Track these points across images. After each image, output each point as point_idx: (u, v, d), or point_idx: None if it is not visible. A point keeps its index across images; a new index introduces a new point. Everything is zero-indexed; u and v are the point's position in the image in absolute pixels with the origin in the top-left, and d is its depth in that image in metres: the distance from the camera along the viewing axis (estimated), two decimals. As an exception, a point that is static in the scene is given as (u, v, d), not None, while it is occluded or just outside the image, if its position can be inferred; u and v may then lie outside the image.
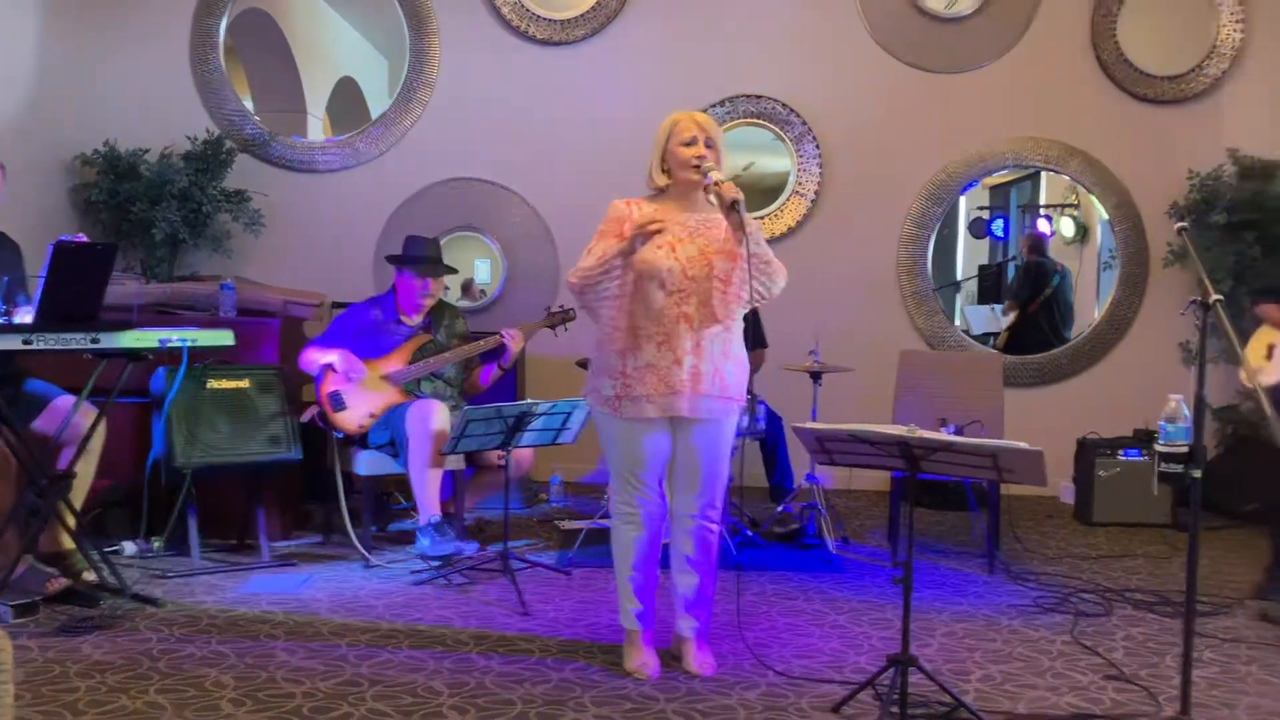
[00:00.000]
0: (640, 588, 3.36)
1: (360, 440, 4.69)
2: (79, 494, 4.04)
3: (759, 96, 6.43)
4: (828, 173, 6.46)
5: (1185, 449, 2.93)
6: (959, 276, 7.14)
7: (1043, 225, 7.05)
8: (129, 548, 4.53)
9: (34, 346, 3.58)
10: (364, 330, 4.80)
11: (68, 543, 4.02)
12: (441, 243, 5.36)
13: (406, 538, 4.86)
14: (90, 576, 3.93)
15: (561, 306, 4.88)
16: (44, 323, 3.62)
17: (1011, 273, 7.26)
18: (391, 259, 4.94)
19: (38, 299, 3.62)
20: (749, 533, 4.93)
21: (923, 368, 5.40)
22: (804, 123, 6.43)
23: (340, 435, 4.67)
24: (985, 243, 7.27)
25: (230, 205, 6.21)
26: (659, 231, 3.14)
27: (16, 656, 2.74)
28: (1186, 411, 2.92)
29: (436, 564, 4.43)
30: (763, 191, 6.51)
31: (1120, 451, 5.61)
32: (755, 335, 5.53)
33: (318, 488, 4.99)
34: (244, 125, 6.46)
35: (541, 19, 6.42)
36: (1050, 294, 6.92)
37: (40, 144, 5.94)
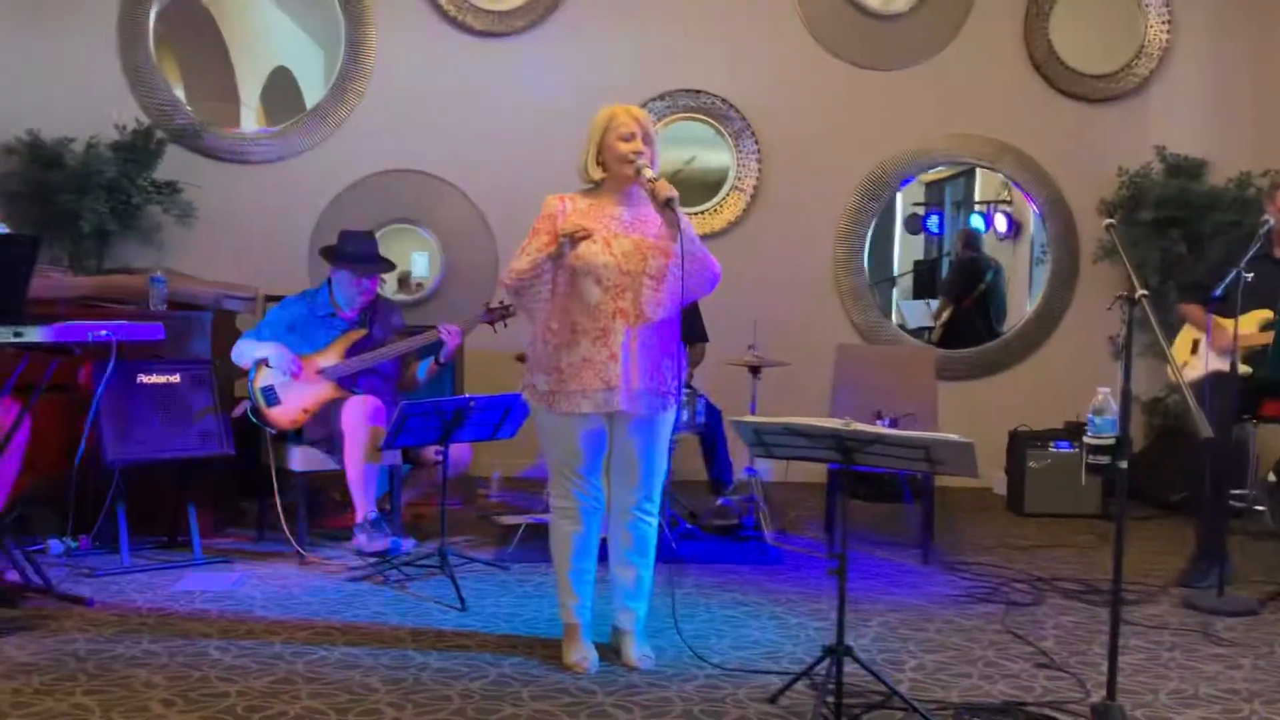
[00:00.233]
0: (578, 582, 3.36)
1: (295, 436, 4.63)
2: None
3: (698, 91, 6.45)
4: (766, 168, 6.50)
5: (1112, 441, 2.99)
6: (895, 272, 7.23)
7: (978, 221, 7.15)
8: (55, 546, 4.43)
9: (-46, 340, 3.48)
10: (299, 324, 4.74)
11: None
12: (378, 235, 5.30)
13: (342, 534, 4.80)
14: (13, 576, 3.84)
15: (501, 302, 4.85)
16: (-36, 316, 3.52)
17: (946, 268, 7.37)
18: (327, 255, 4.86)
19: (-43, 292, 3.53)
20: (688, 525, 4.95)
21: (858, 361, 5.47)
22: (743, 118, 6.46)
23: (274, 431, 4.61)
24: (920, 238, 7.36)
25: (161, 197, 6.09)
26: (586, 238, 3.14)
27: (-64, 659, 2.67)
28: (1113, 404, 2.99)
29: (373, 561, 4.39)
30: (706, 186, 6.53)
31: (1051, 443, 5.71)
32: (696, 329, 5.55)
33: (251, 484, 4.91)
34: (175, 115, 6.33)
35: (480, 10, 6.38)
36: (984, 289, 7.03)
37: (-41, 131, 5.79)
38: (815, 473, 5.85)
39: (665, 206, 3.12)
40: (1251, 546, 4.97)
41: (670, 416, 3.35)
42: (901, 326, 6.85)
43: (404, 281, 6.57)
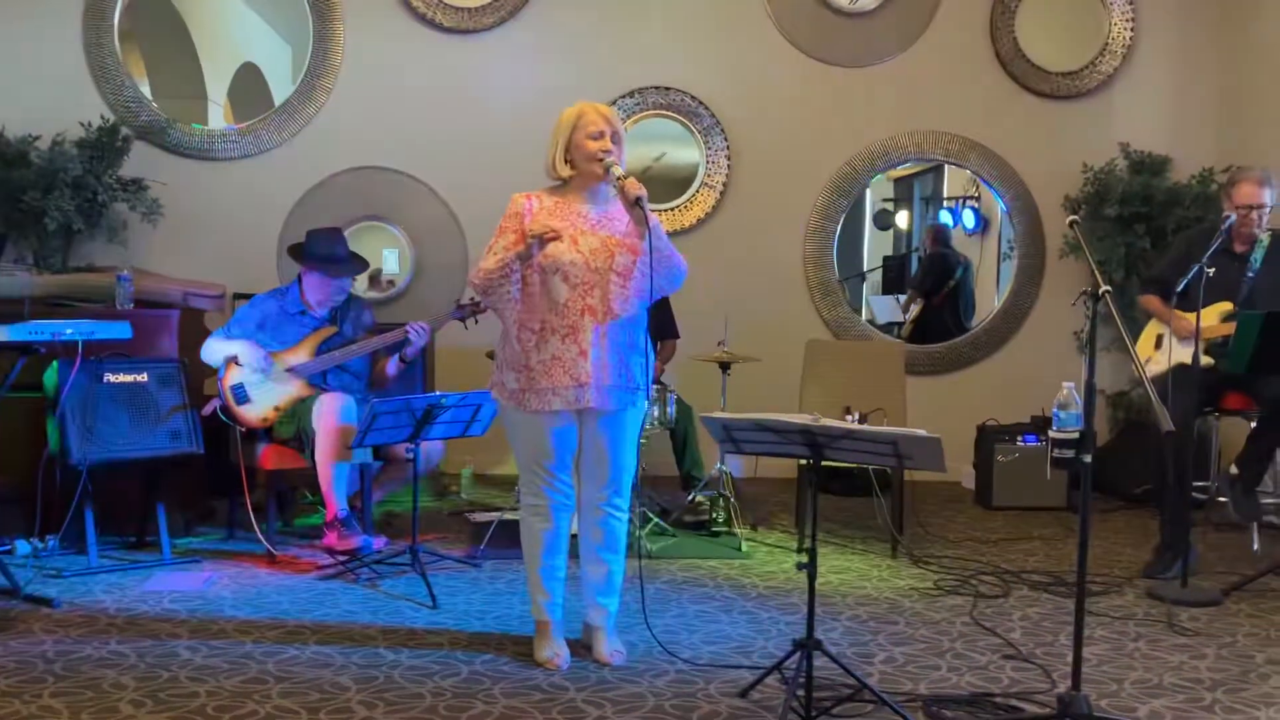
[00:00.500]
0: (549, 578, 3.37)
1: (265, 434, 4.61)
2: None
3: (668, 88, 6.46)
4: (736, 165, 6.52)
5: (1077, 435, 3.03)
6: (865, 267, 7.27)
7: (945, 217, 7.21)
8: (22, 547, 4.39)
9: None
10: (268, 322, 4.71)
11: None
12: (347, 233, 5.28)
13: (313, 533, 4.79)
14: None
15: (472, 299, 4.84)
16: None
17: (915, 264, 7.42)
18: (296, 255, 4.83)
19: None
20: (660, 521, 4.97)
21: (828, 357, 5.50)
22: (712, 115, 6.48)
23: (244, 429, 4.58)
24: (890, 234, 7.41)
25: (127, 194, 6.03)
26: (555, 239, 3.14)
27: (-99, 662, 2.65)
28: (1078, 398, 3.02)
29: (344, 559, 4.38)
30: (675, 182, 6.54)
31: (1019, 437, 5.76)
32: (666, 326, 5.57)
33: (221, 483, 4.88)
34: (141, 112, 6.28)
35: (449, 6, 6.36)
36: (954, 285, 7.09)
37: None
38: (786, 468, 5.88)
39: (634, 205, 3.13)
40: (1214, 537, 5.05)
41: (639, 412, 3.37)
42: (871, 322, 6.90)
43: (374, 279, 6.54)
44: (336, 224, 5.50)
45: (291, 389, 4.62)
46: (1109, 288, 2.95)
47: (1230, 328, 4.29)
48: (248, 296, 5.02)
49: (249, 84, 6.71)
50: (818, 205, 6.58)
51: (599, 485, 3.34)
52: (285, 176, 6.35)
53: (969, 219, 7.14)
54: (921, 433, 2.78)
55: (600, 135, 3.22)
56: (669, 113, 6.49)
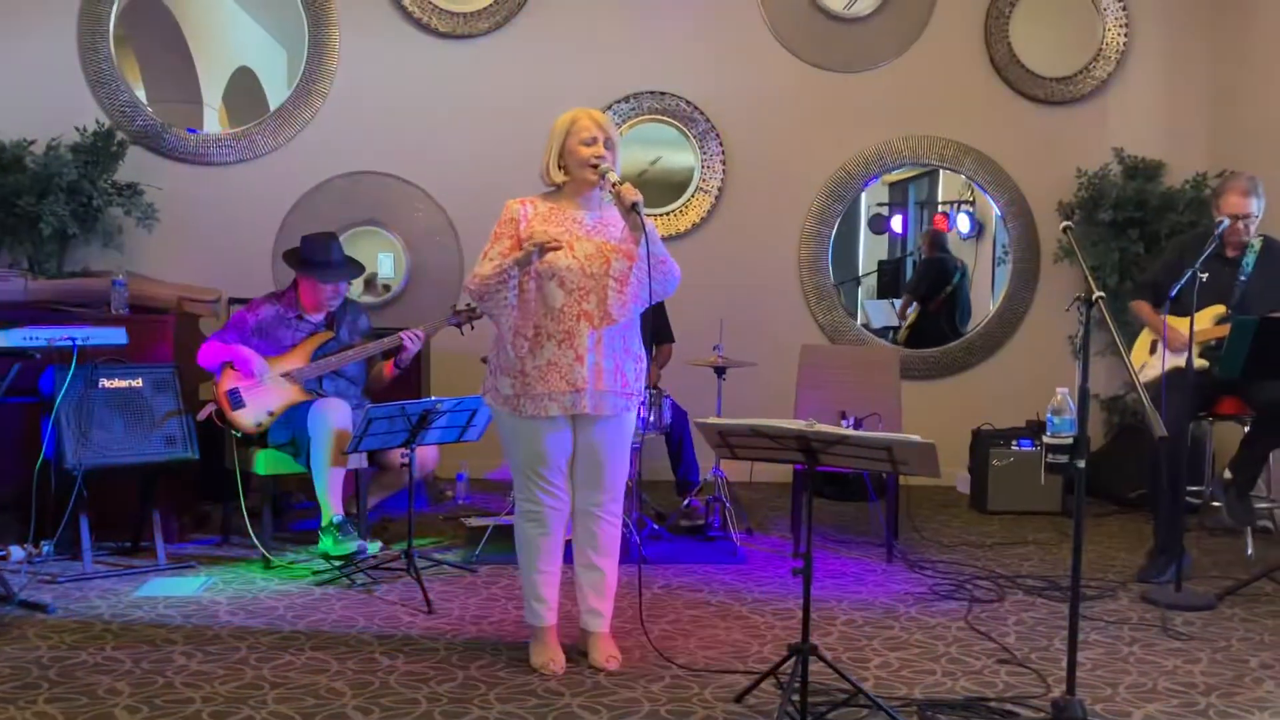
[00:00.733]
0: (545, 584, 3.37)
1: (260, 439, 4.61)
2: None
3: (663, 93, 6.47)
4: (731, 169, 6.53)
5: (1070, 440, 3.04)
6: (860, 272, 7.28)
7: (940, 221, 7.22)
8: (16, 552, 4.39)
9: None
10: (264, 327, 4.72)
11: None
12: (342, 238, 5.28)
13: (308, 538, 4.79)
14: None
15: (468, 305, 4.85)
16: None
17: (910, 267, 7.43)
18: (291, 260, 4.83)
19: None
20: (655, 526, 4.98)
21: (823, 362, 5.50)
22: (707, 120, 6.49)
23: (239, 434, 4.58)
24: (884, 238, 7.42)
25: (122, 199, 6.03)
26: (558, 249, 3.15)
27: (-105, 669, 2.64)
28: (1072, 404, 3.04)
29: (339, 564, 4.38)
30: (671, 187, 6.55)
31: (1014, 442, 5.77)
32: (662, 330, 5.58)
33: (216, 488, 4.89)
34: (136, 116, 6.28)
35: (444, 11, 6.37)
36: (951, 291, 7.10)
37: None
38: (781, 472, 5.91)
39: (631, 210, 3.14)
40: (1208, 542, 5.07)
41: (633, 417, 3.38)
42: (866, 326, 6.91)
43: (370, 283, 6.55)
44: (332, 229, 5.50)
45: (287, 394, 4.62)
46: (1103, 294, 2.96)
47: (1223, 330, 4.31)
48: (243, 301, 5.03)
49: (244, 88, 6.71)
50: (813, 210, 6.59)
51: (594, 490, 3.35)
52: (281, 181, 6.36)
53: (964, 223, 7.16)
54: (916, 438, 2.79)
55: (594, 141, 3.22)
56: (664, 117, 6.50)
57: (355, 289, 6.28)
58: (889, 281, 7.43)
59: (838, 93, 6.54)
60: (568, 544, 3.44)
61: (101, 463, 4.31)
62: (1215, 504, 4.96)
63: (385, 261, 6.56)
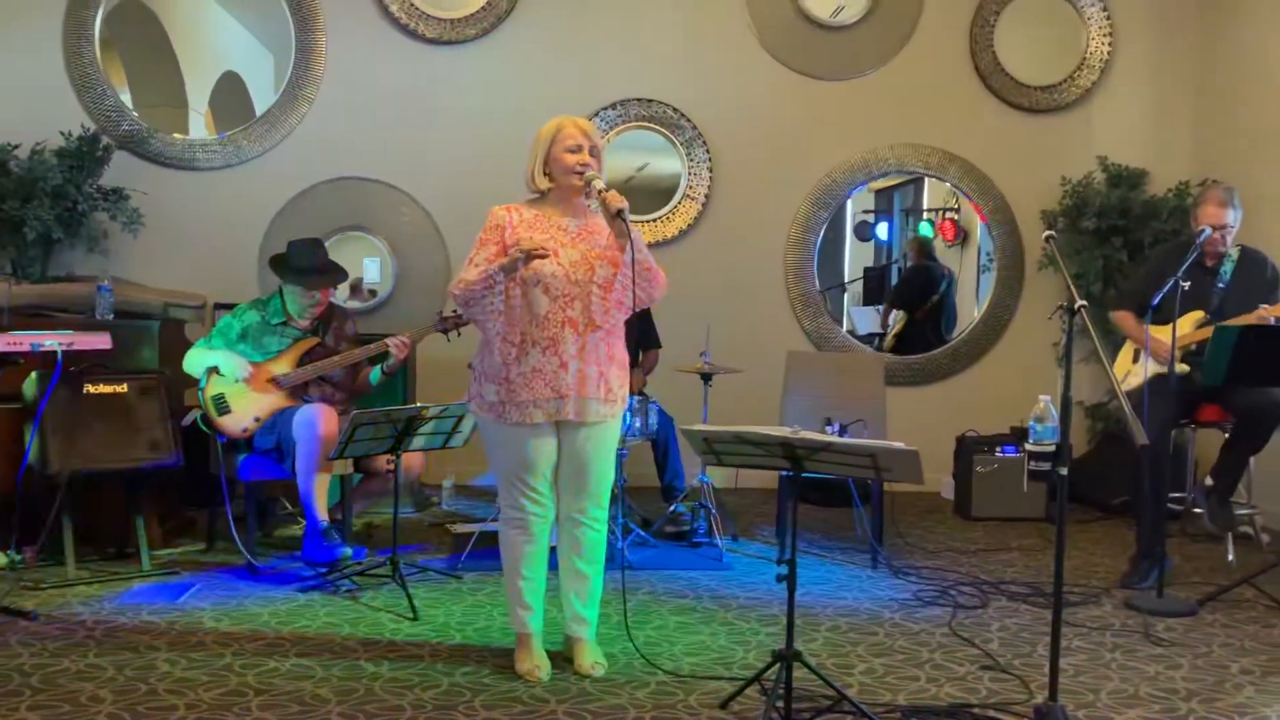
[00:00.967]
0: (529, 591, 3.38)
1: (245, 444, 4.60)
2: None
3: (650, 100, 6.49)
4: (718, 176, 6.55)
5: (1053, 447, 3.06)
6: (846, 278, 7.31)
7: (925, 229, 7.25)
8: (-1, 559, 4.37)
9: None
10: (250, 332, 4.70)
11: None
12: (328, 243, 5.27)
13: (293, 544, 4.78)
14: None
15: (454, 311, 4.85)
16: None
17: (895, 275, 7.46)
18: (276, 267, 4.82)
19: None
20: (641, 532, 4.98)
21: (808, 368, 5.52)
22: (694, 127, 6.51)
23: (224, 439, 4.57)
24: (870, 245, 7.45)
25: (107, 204, 6.01)
26: (544, 256, 3.16)
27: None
28: (1054, 411, 3.06)
29: (324, 570, 4.37)
30: (659, 193, 6.57)
31: (998, 448, 5.80)
32: (648, 336, 5.59)
33: (201, 493, 4.87)
34: (121, 121, 6.26)
35: (431, 18, 6.37)
36: (938, 299, 7.12)
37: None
38: (767, 478, 5.92)
39: (616, 217, 3.15)
40: (1190, 547, 5.10)
41: (618, 423, 3.39)
42: (852, 333, 6.94)
43: (356, 288, 6.54)
44: (318, 233, 5.50)
45: (272, 400, 4.61)
46: (1085, 302, 2.98)
47: (1205, 333, 4.36)
48: (229, 307, 5.01)
49: (231, 93, 6.70)
50: (799, 217, 6.61)
51: (579, 497, 3.35)
52: (267, 186, 6.35)
53: (948, 230, 7.18)
54: (900, 446, 2.80)
55: (579, 149, 3.24)
56: (651, 124, 6.52)
57: (341, 294, 6.28)
58: (874, 288, 7.46)
59: (824, 100, 6.57)
60: (553, 550, 3.44)
61: (86, 468, 4.30)
62: (1197, 510, 5.00)
63: (371, 266, 6.55)
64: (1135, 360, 4.72)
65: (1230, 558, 4.85)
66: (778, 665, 2.99)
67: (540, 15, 6.44)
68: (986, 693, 3.28)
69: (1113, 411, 6.39)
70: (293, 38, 6.35)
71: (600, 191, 3.18)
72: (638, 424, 4.88)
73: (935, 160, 6.63)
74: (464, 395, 3.45)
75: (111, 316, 4.88)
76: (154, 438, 4.48)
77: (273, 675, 3.29)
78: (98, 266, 6.02)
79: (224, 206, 6.33)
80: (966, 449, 5.87)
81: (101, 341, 4.32)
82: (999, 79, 6.59)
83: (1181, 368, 4.38)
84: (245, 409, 4.57)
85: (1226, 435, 4.65)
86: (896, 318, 7.19)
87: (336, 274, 4.90)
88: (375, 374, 4.75)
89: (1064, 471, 2.93)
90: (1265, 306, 4.31)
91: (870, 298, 7.43)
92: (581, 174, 3.22)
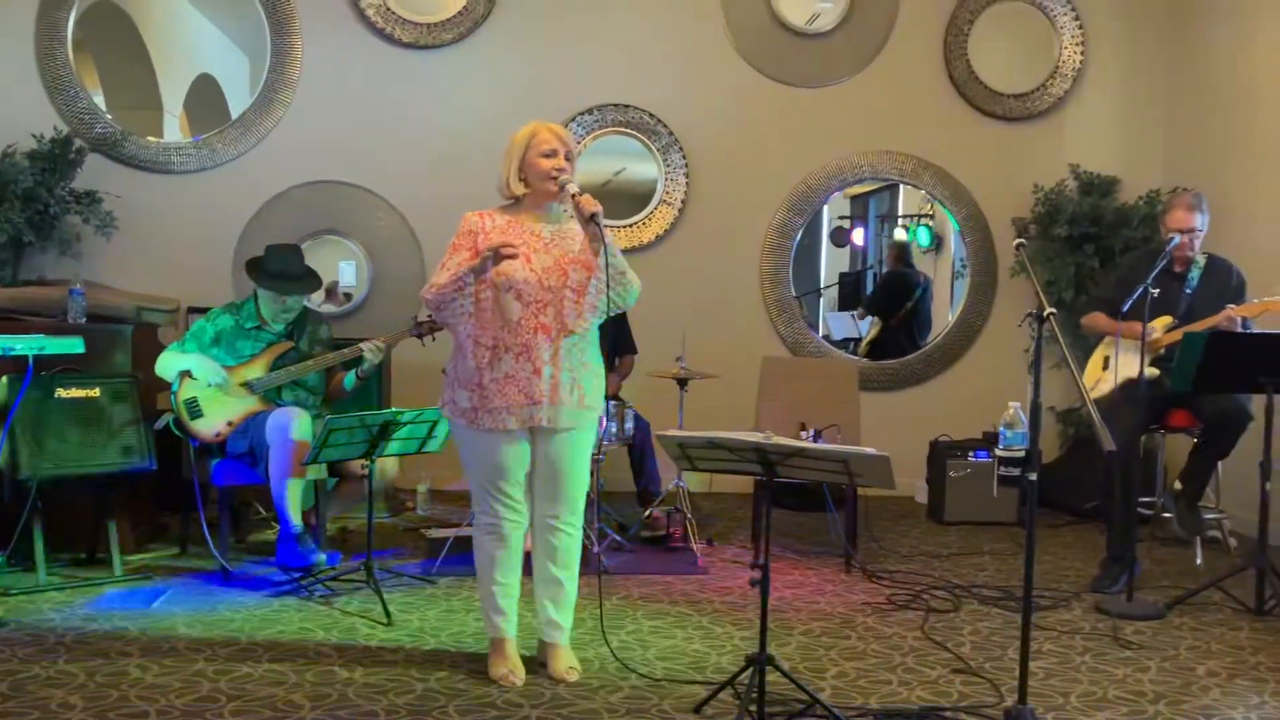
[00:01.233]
0: (503, 596, 3.38)
1: (218, 449, 4.57)
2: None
3: (626, 106, 6.50)
4: (694, 182, 6.57)
5: (1022, 453, 3.09)
6: (822, 284, 7.34)
7: (900, 235, 7.29)
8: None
9: None
10: (224, 336, 4.68)
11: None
12: (304, 247, 5.26)
13: (267, 549, 4.76)
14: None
15: (429, 316, 4.84)
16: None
17: (871, 280, 7.50)
18: (252, 272, 4.80)
19: None
20: (616, 537, 4.99)
21: (784, 373, 5.55)
22: (671, 133, 6.53)
23: (197, 444, 4.55)
24: (846, 251, 7.49)
25: (80, 207, 5.98)
26: (512, 256, 3.16)
27: None
28: (1024, 418, 3.09)
29: (298, 575, 4.35)
30: (635, 198, 6.58)
31: (971, 453, 5.83)
32: (624, 341, 5.60)
33: (173, 498, 4.84)
34: (95, 123, 6.22)
35: (407, 22, 6.37)
36: (913, 305, 7.17)
37: None
38: (742, 483, 5.93)
39: (590, 221, 3.16)
40: (1159, 551, 5.15)
41: (593, 430, 3.39)
42: (827, 338, 6.97)
43: (331, 292, 6.52)
44: (293, 237, 5.49)
45: (246, 404, 4.59)
46: (1054, 310, 3.02)
47: (1175, 336, 4.42)
48: (203, 311, 4.99)
49: (206, 96, 6.67)
50: (775, 222, 6.64)
51: (553, 503, 3.36)
52: (241, 190, 6.32)
53: (923, 237, 7.24)
54: (871, 451, 2.83)
55: (553, 154, 3.25)
56: (628, 130, 6.53)
57: (316, 298, 6.25)
58: (850, 294, 7.50)
59: (800, 107, 6.60)
60: (527, 556, 3.45)
61: (57, 473, 4.27)
62: (1166, 515, 5.05)
63: (346, 270, 6.54)
64: (1105, 368, 4.77)
65: (1199, 561, 4.91)
66: (751, 669, 3.01)
67: (516, 20, 6.45)
68: (958, 696, 3.31)
69: (1084, 417, 6.44)
70: (268, 41, 6.33)
71: (574, 196, 3.19)
72: (614, 429, 4.90)
73: (909, 167, 6.68)
74: (438, 400, 3.45)
75: (84, 320, 4.84)
76: (126, 442, 4.46)
77: (246, 681, 3.28)
78: (70, 270, 5.98)
79: (198, 210, 6.30)
80: (939, 454, 5.91)
81: (73, 345, 4.30)
82: (972, 87, 6.64)
83: (1151, 371, 4.44)
84: (218, 413, 4.55)
85: (1195, 441, 4.71)
86: (871, 323, 7.23)
87: (311, 282, 4.87)
88: (350, 379, 4.73)
89: (1033, 477, 2.96)
90: (1232, 307, 4.38)
91: (845, 303, 7.47)
92: (557, 179, 3.23)
